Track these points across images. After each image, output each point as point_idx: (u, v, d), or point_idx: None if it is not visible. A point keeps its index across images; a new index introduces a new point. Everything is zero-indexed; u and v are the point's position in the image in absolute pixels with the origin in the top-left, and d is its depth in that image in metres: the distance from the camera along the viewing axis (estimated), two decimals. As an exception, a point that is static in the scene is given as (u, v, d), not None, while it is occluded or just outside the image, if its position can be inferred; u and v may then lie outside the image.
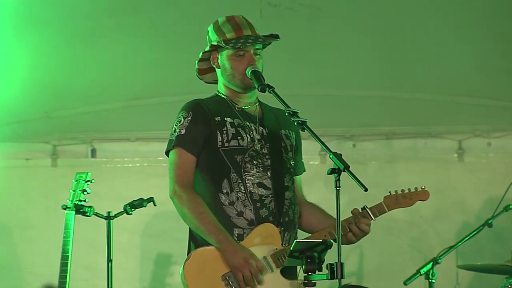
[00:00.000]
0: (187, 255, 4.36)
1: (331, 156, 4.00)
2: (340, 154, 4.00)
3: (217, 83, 4.61)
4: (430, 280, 5.77)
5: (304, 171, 4.71)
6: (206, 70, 4.60)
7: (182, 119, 4.44)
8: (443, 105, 7.55)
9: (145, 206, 5.91)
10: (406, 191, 4.54)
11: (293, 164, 4.56)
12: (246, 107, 4.53)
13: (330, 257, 4.06)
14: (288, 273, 4.32)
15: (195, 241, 4.38)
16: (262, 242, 4.33)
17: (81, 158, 7.84)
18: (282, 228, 4.38)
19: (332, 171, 3.97)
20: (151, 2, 6.75)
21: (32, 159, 7.82)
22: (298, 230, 4.75)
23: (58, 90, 7.25)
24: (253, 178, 4.39)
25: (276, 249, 4.34)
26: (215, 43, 4.45)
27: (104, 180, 7.01)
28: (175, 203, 4.36)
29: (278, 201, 4.40)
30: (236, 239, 4.32)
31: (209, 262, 4.27)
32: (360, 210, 4.43)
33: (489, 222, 6.03)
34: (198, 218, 4.29)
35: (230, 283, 4.24)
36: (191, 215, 4.31)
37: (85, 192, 5.48)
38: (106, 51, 6.96)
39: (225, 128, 4.43)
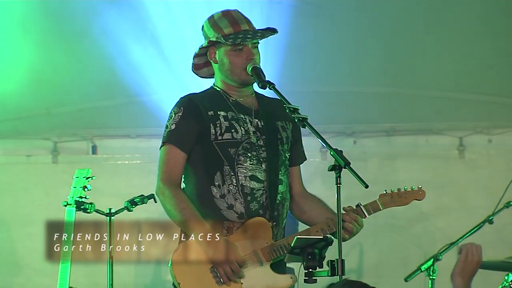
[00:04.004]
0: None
1: (331, 153, 4.01)
2: (341, 151, 4.01)
3: (212, 77, 4.60)
4: (431, 277, 5.75)
5: (305, 159, 4.70)
6: (202, 65, 4.60)
7: (173, 115, 4.46)
8: (444, 102, 7.55)
9: (146, 203, 5.91)
10: (402, 190, 4.53)
11: (288, 156, 4.55)
12: (241, 100, 4.53)
13: (330, 253, 4.06)
14: (278, 267, 4.33)
15: (185, 233, 4.39)
16: (253, 236, 4.34)
17: (81, 154, 7.84)
18: (274, 223, 4.39)
19: (333, 168, 3.98)
20: (149, 2, 6.77)
21: (33, 155, 7.82)
22: (298, 224, 4.77)
23: (59, 86, 7.26)
24: (245, 171, 4.39)
25: (267, 243, 4.33)
26: (213, 39, 4.45)
27: (105, 177, 7.02)
28: (160, 200, 4.42)
29: (271, 194, 4.40)
30: (226, 232, 4.33)
31: (198, 253, 4.27)
32: (354, 208, 4.43)
33: (490, 218, 6.01)
34: (180, 214, 4.32)
35: (218, 275, 4.25)
36: (174, 211, 4.34)
37: (85, 189, 5.48)
38: (107, 48, 6.96)
39: (219, 121, 4.43)
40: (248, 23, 4.49)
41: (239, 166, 4.39)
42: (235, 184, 4.37)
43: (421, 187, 4.58)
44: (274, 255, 4.29)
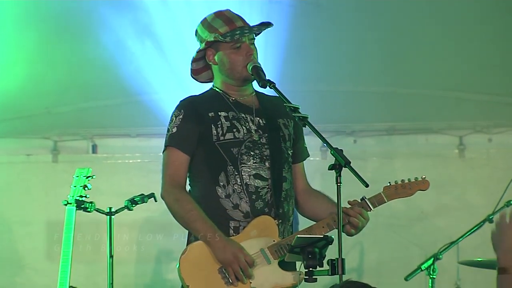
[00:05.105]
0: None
1: (332, 152, 4.02)
2: (341, 150, 4.02)
3: (212, 81, 4.61)
4: (431, 276, 5.76)
5: (308, 156, 4.69)
6: (201, 69, 4.60)
7: (174, 118, 4.46)
8: (444, 101, 7.56)
9: (146, 202, 5.91)
10: (406, 181, 4.53)
11: (291, 153, 4.55)
12: (241, 99, 4.53)
13: (331, 252, 4.07)
14: (286, 264, 4.33)
15: (192, 235, 4.40)
16: (260, 235, 4.34)
17: (82, 154, 7.83)
18: (280, 220, 4.39)
19: (333, 167, 3.98)
20: (149, 1, 6.78)
21: (33, 155, 7.81)
22: (299, 222, 4.77)
23: (59, 86, 7.26)
24: (249, 170, 4.39)
25: (274, 241, 4.34)
26: (211, 39, 4.45)
27: (105, 176, 7.02)
28: (166, 203, 4.42)
29: (276, 192, 4.40)
30: (232, 232, 4.34)
31: (206, 255, 4.28)
32: (359, 201, 4.43)
33: (490, 217, 6.00)
34: (187, 216, 4.33)
35: (227, 275, 4.25)
36: (180, 213, 4.36)
37: (86, 188, 5.49)
38: (107, 47, 6.97)
39: (220, 122, 4.43)
40: (242, 20, 4.50)
41: (242, 165, 4.39)
42: (240, 184, 4.37)
43: (424, 177, 4.56)
44: (281, 253, 4.29)
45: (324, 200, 4.57)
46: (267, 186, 4.40)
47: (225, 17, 4.49)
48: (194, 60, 4.56)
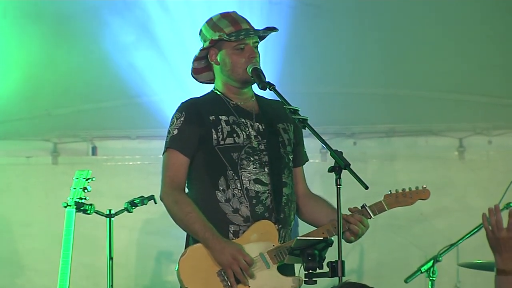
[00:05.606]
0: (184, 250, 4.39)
1: (331, 154, 4.01)
2: (341, 152, 4.02)
3: (212, 83, 4.60)
4: (431, 278, 5.76)
5: (307, 160, 4.70)
6: (202, 69, 4.59)
7: (175, 120, 4.46)
8: (444, 103, 7.56)
9: (146, 204, 5.91)
10: (407, 190, 4.54)
11: (291, 158, 4.55)
12: (241, 103, 4.53)
13: (330, 254, 4.07)
14: (285, 269, 4.33)
15: (192, 237, 4.40)
16: (259, 239, 4.34)
17: (81, 156, 7.83)
18: (280, 225, 4.39)
19: (333, 169, 3.98)
20: (149, 3, 6.79)
21: (33, 156, 7.81)
22: (299, 224, 4.77)
23: (59, 87, 7.27)
24: (249, 175, 4.39)
25: (273, 245, 4.34)
26: (215, 38, 4.45)
27: (105, 178, 7.02)
28: (165, 205, 4.43)
29: (276, 197, 4.40)
30: (232, 236, 4.34)
31: (205, 257, 4.28)
32: (360, 208, 4.43)
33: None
34: (186, 218, 4.33)
35: (226, 278, 4.25)
36: (179, 215, 4.36)
37: (85, 190, 5.49)
38: (107, 49, 6.97)
39: (220, 126, 4.43)
40: (247, 23, 4.51)
41: (242, 170, 4.39)
42: (240, 188, 4.37)
43: (425, 187, 4.59)
44: (281, 257, 4.29)
45: (324, 205, 4.57)
46: (268, 191, 4.40)
47: (231, 18, 4.50)
48: (196, 59, 4.56)
